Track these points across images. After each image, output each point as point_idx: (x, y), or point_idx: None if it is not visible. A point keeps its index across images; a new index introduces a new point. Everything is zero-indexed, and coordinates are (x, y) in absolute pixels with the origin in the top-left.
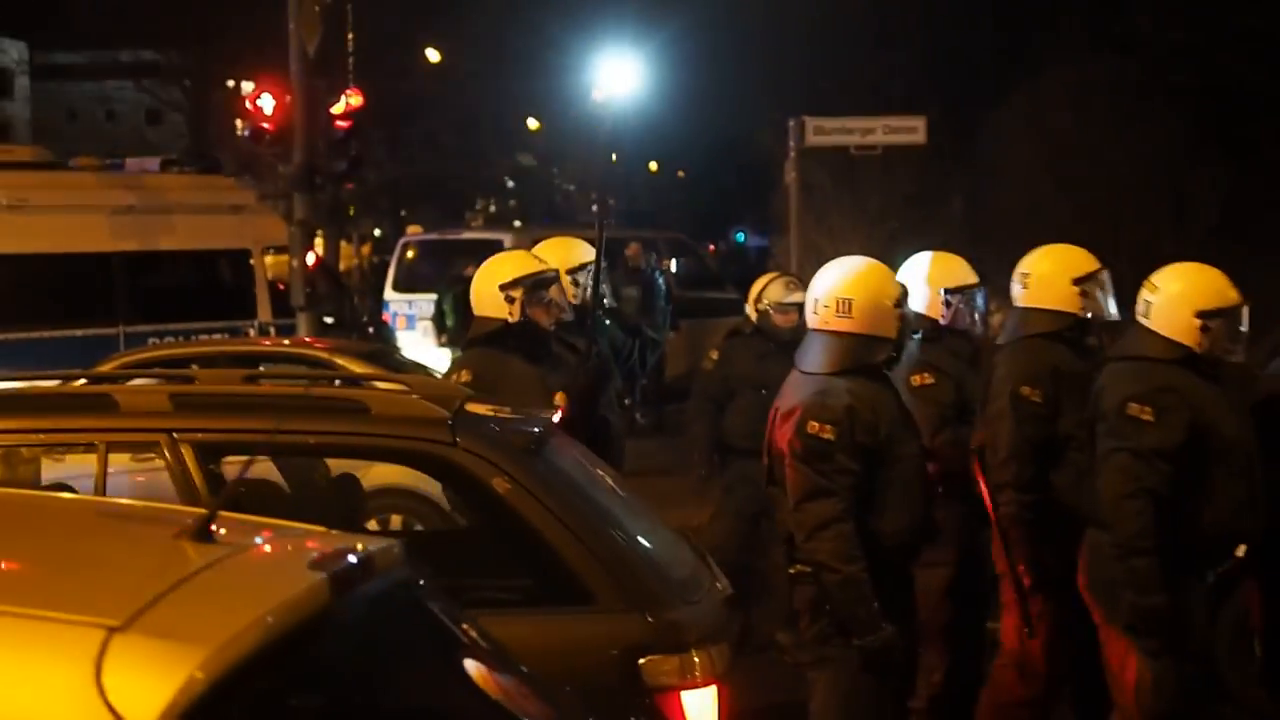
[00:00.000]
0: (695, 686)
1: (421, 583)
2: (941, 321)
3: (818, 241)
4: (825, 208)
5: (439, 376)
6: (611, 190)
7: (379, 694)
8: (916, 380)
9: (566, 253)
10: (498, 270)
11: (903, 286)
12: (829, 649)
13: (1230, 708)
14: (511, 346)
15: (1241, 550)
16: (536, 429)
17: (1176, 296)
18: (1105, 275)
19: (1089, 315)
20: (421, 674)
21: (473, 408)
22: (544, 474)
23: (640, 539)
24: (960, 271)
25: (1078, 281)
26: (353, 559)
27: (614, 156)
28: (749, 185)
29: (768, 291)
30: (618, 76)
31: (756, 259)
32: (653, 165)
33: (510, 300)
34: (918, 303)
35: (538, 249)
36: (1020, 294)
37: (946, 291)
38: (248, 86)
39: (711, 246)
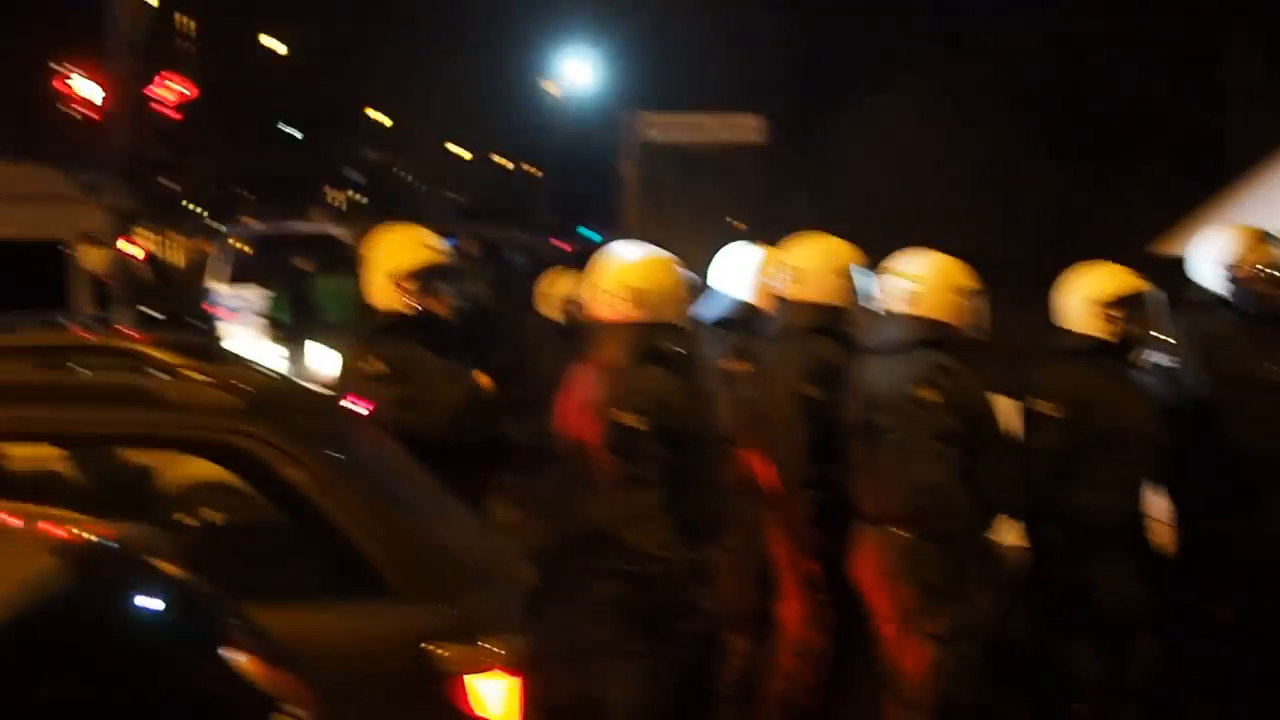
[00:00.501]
0: (484, 673)
1: (180, 571)
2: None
3: (658, 239)
4: (667, 205)
5: (265, 368)
6: (461, 186)
7: (130, 680)
8: (729, 366)
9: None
10: (387, 259)
11: (691, 277)
12: (636, 643)
13: (1017, 690)
14: (416, 338)
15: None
16: (336, 417)
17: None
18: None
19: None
20: (177, 660)
21: (273, 395)
22: (337, 463)
23: (438, 529)
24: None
25: (844, 274)
26: (100, 544)
27: (462, 152)
28: (598, 183)
29: (560, 286)
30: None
31: None
32: (504, 161)
33: (404, 291)
34: (744, 291)
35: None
36: (787, 288)
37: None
38: (71, 72)
39: (568, 246)
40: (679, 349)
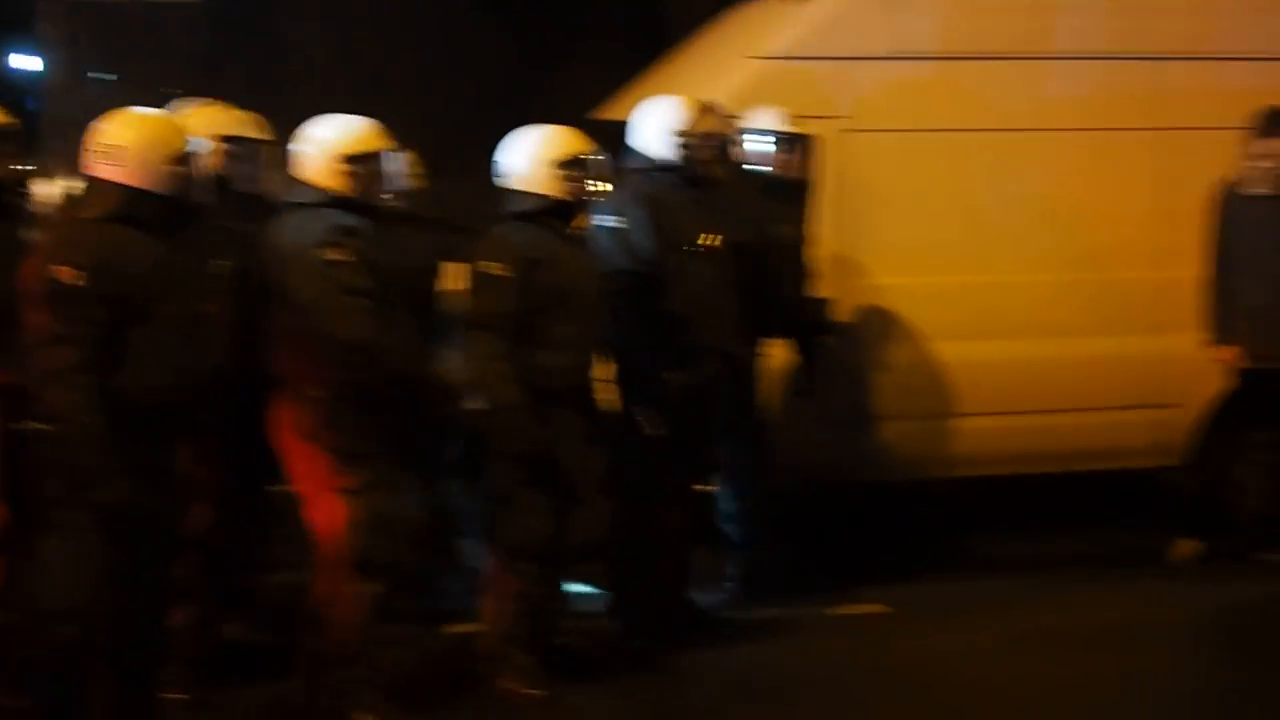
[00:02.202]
0: None
1: None
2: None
3: (82, 100)
4: (95, 64)
5: None
6: None
7: None
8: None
9: None
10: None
11: (187, 143)
12: (64, 512)
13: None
14: None
15: None
16: None
17: (323, 146)
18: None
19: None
20: None
21: None
22: None
23: None
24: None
25: (345, 159)
26: None
27: None
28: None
29: None
30: None
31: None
32: None
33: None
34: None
35: None
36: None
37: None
38: None
39: None
40: (156, 214)
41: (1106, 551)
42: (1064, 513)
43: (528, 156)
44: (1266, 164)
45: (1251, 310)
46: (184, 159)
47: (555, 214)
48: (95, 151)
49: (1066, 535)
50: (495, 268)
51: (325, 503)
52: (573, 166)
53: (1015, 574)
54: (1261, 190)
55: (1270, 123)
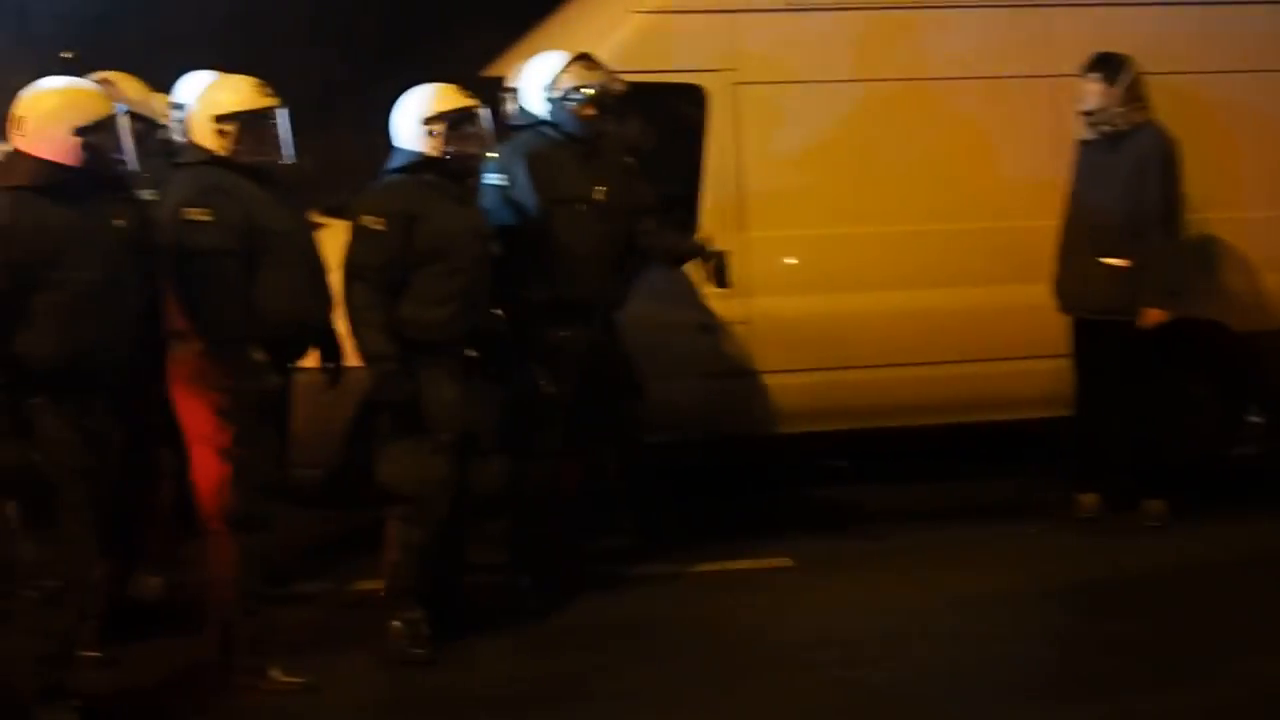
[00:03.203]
0: None
1: None
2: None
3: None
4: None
5: None
6: None
7: None
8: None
9: None
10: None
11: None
12: None
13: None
14: None
15: None
16: None
17: (204, 105)
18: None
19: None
20: None
21: None
22: None
23: None
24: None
25: (221, 119)
26: None
27: None
28: None
29: None
30: None
31: None
32: None
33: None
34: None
35: None
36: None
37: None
38: None
39: None
40: (76, 184)
41: (1007, 502)
42: (968, 463)
43: (403, 114)
44: (1082, 105)
45: (1061, 258)
46: (91, 129)
47: (436, 170)
48: (9, 123)
49: (967, 488)
50: (371, 221)
51: (203, 456)
52: (441, 122)
53: (915, 527)
54: (1081, 135)
55: (1087, 66)
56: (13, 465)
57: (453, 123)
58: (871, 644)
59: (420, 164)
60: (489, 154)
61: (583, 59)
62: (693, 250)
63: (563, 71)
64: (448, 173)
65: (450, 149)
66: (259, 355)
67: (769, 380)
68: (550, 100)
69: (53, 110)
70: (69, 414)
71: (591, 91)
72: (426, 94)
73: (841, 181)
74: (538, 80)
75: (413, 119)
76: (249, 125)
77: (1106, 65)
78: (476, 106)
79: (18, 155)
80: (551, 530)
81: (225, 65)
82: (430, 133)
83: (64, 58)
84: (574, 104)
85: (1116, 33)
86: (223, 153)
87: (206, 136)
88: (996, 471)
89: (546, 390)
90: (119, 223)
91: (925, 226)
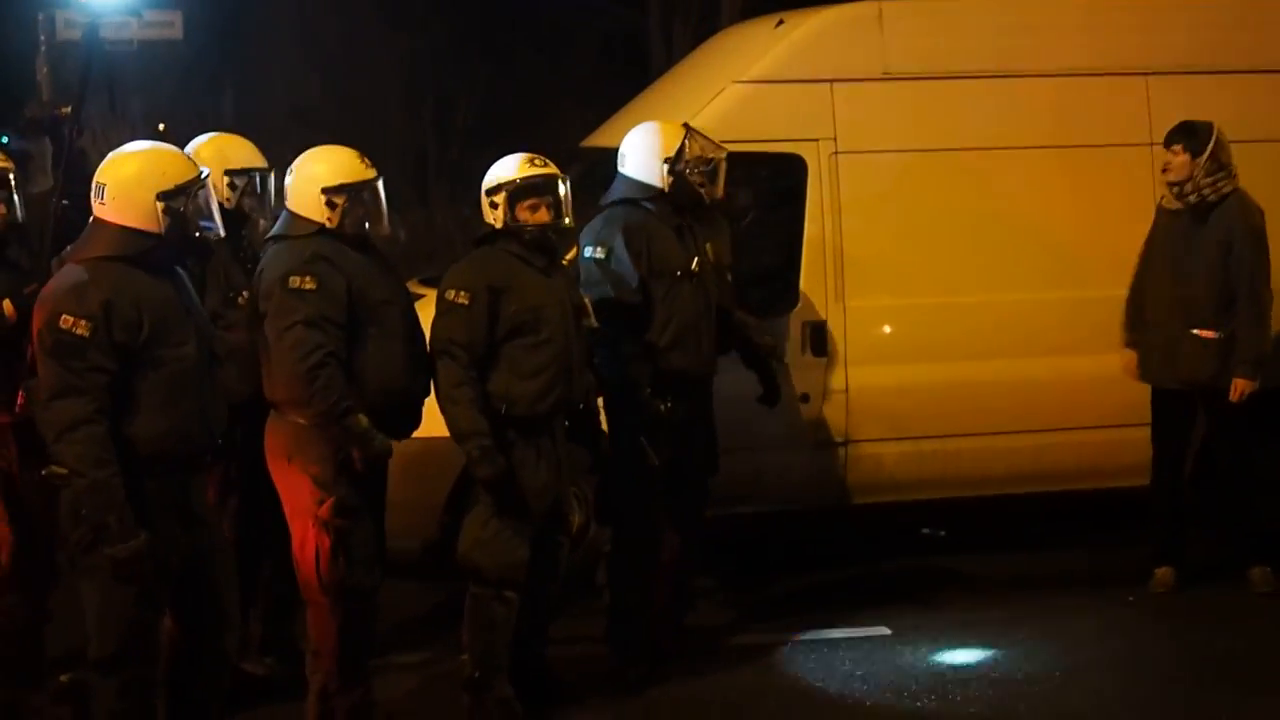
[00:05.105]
0: None
1: None
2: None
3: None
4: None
5: None
6: None
7: None
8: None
9: None
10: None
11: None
12: (91, 557)
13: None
14: None
15: None
16: None
17: (307, 178)
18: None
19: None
20: None
21: None
22: None
23: None
24: (246, 154)
25: (328, 191)
26: None
27: None
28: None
29: None
30: None
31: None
32: None
33: None
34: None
35: None
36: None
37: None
38: None
39: None
40: (152, 252)
41: (1101, 570)
42: (1061, 533)
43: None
44: (1168, 176)
45: (1146, 328)
46: (174, 193)
47: (517, 241)
48: (93, 193)
49: (1063, 555)
50: (455, 295)
51: (302, 529)
52: (501, 193)
53: (1012, 596)
54: (1164, 204)
55: (1169, 137)
56: (140, 555)
57: (515, 195)
58: (975, 714)
59: (499, 235)
60: (565, 222)
61: (689, 128)
62: (768, 351)
63: (671, 141)
64: (531, 244)
65: (512, 220)
66: (364, 421)
67: (866, 450)
68: (673, 171)
69: (133, 175)
70: (173, 500)
71: (700, 161)
72: (494, 167)
73: (939, 250)
74: (655, 150)
75: (484, 192)
76: (355, 196)
77: (1190, 135)
78: (548, 177)
79: (98, 224)
80: (651, 601)
81: (327, 138)
82: (493, 204)
83: (159, 131)
84: (683, 174)
85: (1212, 100)
86: (329, 224)
87: (313, 209)
88: (1063, 541)
89: (650, 462)
90: (241, 292)
91: (1024, 295)
